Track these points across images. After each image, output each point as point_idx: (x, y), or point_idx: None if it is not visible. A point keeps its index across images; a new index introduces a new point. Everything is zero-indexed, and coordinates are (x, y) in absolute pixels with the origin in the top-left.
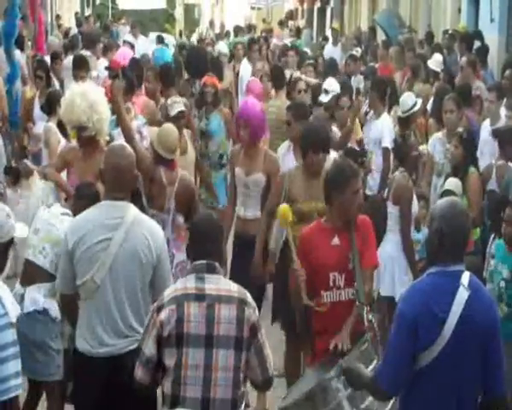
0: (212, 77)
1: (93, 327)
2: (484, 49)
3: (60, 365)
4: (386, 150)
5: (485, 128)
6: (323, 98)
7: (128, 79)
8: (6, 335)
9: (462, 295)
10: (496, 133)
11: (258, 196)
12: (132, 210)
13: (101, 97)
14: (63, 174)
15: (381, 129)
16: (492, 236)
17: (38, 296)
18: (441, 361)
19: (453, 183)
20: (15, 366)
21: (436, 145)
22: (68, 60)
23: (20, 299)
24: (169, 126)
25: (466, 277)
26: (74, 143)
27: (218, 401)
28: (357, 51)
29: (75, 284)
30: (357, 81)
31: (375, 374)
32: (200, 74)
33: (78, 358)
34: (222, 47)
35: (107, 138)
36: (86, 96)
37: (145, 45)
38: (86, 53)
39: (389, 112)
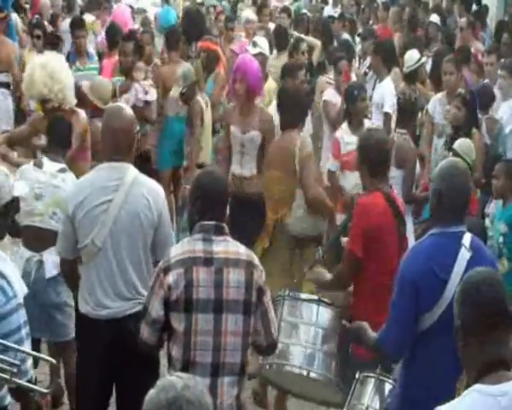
0: (206, 41)
1: (94, 290)
2: (483, 10)
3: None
4: (386, 115)
5: None
6: (251, 50)
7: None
8: (19, 316)
9: (464, 255)
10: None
11: (254, 155)
12: (132, 171)
13: (62, 65)
14: None
15: (383, 93)
16: (491, 197)
17: (57, 259)
18: (443, 323)
19: (465, 144)
20: (29, 345)
21: (436, 106)
22: (66, 22)
23: (38, 265)
24: (102, 78)
25: (467, 238)
26: None
27: (228, 365)
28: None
29: (76, 249)
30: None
31: (379, 337)
32: (196, 38)
33: (80, 319)
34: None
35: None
36: (46, 67)
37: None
38: (90, 17)
39: (388, 73)
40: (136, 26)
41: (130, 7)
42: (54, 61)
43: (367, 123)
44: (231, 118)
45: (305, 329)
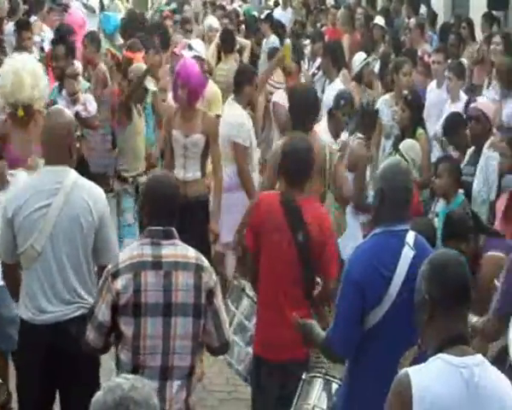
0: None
1: (34, 295)
2: (433, 12)
3: None
4: None
5: (432, 90)
6: (187, 53)
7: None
8: None
9: (407, 254)
10: None
11: (197, 158)
12: (72, 175)
13: (37, 64)
14: None
15: (330, 97)
16: (436, 197)
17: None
18: (388, 321)
19: (408, 144)
20: None
21: (383, 107)
22: (9, 26)
23: None
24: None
25: (411, 236)
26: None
27: (177, 369)
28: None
29: (16, 253)
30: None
31: (326, 336)
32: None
33: (21, 325)
34: None
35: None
36: (29, 70)
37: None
38: (33, 18)
39: (337, 74)
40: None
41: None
42: (30, 61)
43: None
44: (173, 122)
45: (235, 317)
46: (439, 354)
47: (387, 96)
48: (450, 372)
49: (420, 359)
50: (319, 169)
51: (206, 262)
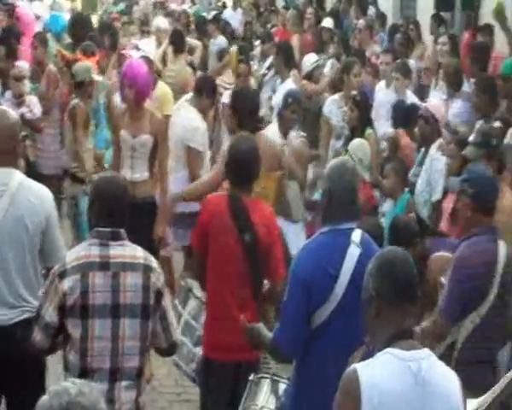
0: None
1: None
2: (382, 13)
3: None
4: None
5: (380, 90)
6: (134, 54)
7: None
8: None
9: (353, 252)
10: None
11: (145, 158)
12: (17, 176)
13: None
14: None
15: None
16: (384, 196)
17: None
18: (334, 319)
19: (356, 143)
20: None
21: (332, 108)
22: None
23: None
24: None
25: (357, 234)
26: None
27: (126, 370)
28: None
29: None
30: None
31: (273, 337)
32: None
33: None
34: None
35: None
36: None
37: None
38: None
39: (289, 74)
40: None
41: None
42: None
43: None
44: (121, 122)
45: (182, 318)
46: (387, 349)
47: (336, 96)
48: (398, 366)
49: (368, 357)
50: (271, 167)
51: (154, 263)
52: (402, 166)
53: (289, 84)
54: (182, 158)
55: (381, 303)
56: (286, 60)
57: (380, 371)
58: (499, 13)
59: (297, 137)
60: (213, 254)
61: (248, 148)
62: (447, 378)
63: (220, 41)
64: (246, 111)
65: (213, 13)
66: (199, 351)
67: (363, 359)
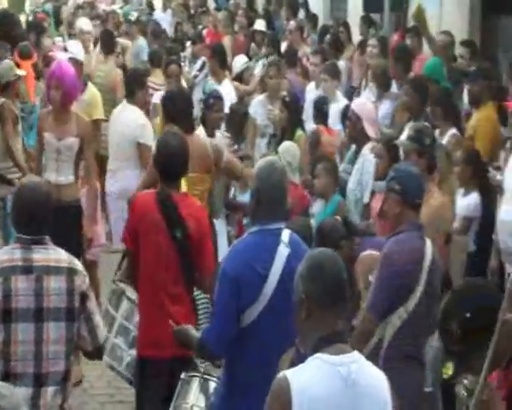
0: None
1: None
2: (313, 15)
3: None
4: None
5: (311, 91)
6: (62, 55)
7: None
8: None
9: (283, 251)
10: None
11: (71, 161)
12: None
13: None
14: None
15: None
16: (314, 196)
17: None
18: (263, 319)
19: (285, 146)
20: None
21: (257, 108)
22: None
23: None
24: None
25: (286, 234)
26: None
27: (51, 375)
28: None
29: None
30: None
31: (202, 335)
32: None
33: None
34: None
35: None
36: None
37: None
38: None
39: (224, 76)
40: None
41: None
42: None
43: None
44: (45, 124)
45: (108, 316)
46: (317, 354)
47: (262, 96)
48: (328, 371)
49: (298, 360)
50: (207, 169)
51: (79, 265)
52: (333, 166)
53: (227, 85)
54: (132, 157)
55: (311, 305)
56: (221, 61)
57: (309, 377)
58: (419, 16)
59: (222, 137)
60: (145, 252)
61: (177, 143)
62: (376, 379)
63: (141, 42)
64: (179, 112)
65: (136, 14)
66: (134, 352)
67: (293, 361)
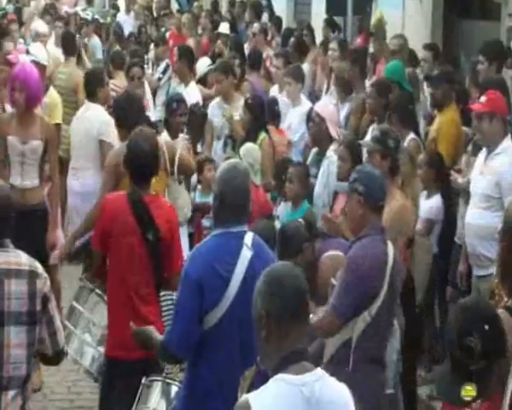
0: None
1: None
2: (277, 18)
3: None
4: None
5: (274, 94)
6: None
7: None
8: None
9: (246, 254)
10: None
11: (36, 165)
12: None
13: None
14: None
15: (189, 99)
16: (279, 198)
17: None
18: (226, 321)
19: (246, 148)
20: None
21: (214, 110)
22: None
23: None
24: None
25: (249, 237)
26: None
27: (13, 379)
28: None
29: None
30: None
31: (164, 338)
32: None
33: None
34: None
35: None
36: None
37: None
38: None
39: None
40: None
41: None
42: None
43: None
44: (9, 127)
45: (75, 314)
46: (278, 375)
47: (218, 98)
48: (291, 392)
49: (258, 378)
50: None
51: (39, 268)
52: (306, 172)
53: (193, 87)
54: (95, 155)
55: (271, 323)
56: (189, 63)
57: (271, 399)
58: (379, 25)
59: (182, 139)
60: (116, 254)
61: (148, 143)
62: (340, 395)
63: (94, 42)
64: (124, 115)
65: (91, 14)
66: (102, 350)
67: (254, 380)
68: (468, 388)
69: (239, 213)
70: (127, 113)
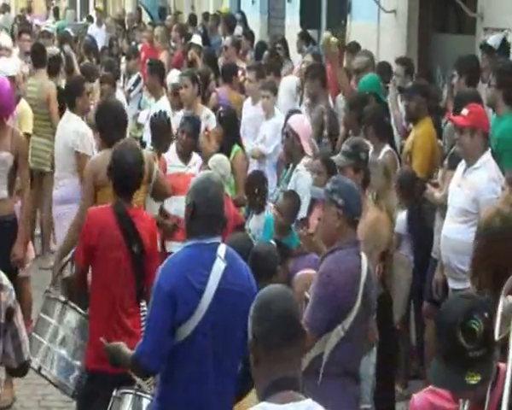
0: None
1: None
2: (250, 32)
3: None
4: None
5: (247, 107)
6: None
7: None
8: None
9: (219, 266)
10: None
11: (4, 176)
12: None
13: None
14: None
15: None
16: (251, 211)
17: None
18: (199, 334)
19: (216, 159)
20: None
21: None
22: None
23: None
24: None
25: (222, 249)
26: None
27: None
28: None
29: None
30: None
31: (136, 351)
32: None
33: None
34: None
35: None
36: None
37: None
38: None
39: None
40: None
41: None
42: None
43: None
44: None
45: (49, 327)
46: (261, 403)
47: (182, 110)
48: None
49: None
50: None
51: (4, 279)
52: (297, 204)
53: (164, 102)
54: (72, 166)
55: (260, 348)
56: (160, 77)
57: None
58: (328, 48)
59: (147, 151)
60: (101, 268)
61: (133, 155)
62: None
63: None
64: (111, 125)
65: (55, 27)
66: (79, 363)
67: None
68: (472, 373)
69: (212, 224)
70: (107, 120)
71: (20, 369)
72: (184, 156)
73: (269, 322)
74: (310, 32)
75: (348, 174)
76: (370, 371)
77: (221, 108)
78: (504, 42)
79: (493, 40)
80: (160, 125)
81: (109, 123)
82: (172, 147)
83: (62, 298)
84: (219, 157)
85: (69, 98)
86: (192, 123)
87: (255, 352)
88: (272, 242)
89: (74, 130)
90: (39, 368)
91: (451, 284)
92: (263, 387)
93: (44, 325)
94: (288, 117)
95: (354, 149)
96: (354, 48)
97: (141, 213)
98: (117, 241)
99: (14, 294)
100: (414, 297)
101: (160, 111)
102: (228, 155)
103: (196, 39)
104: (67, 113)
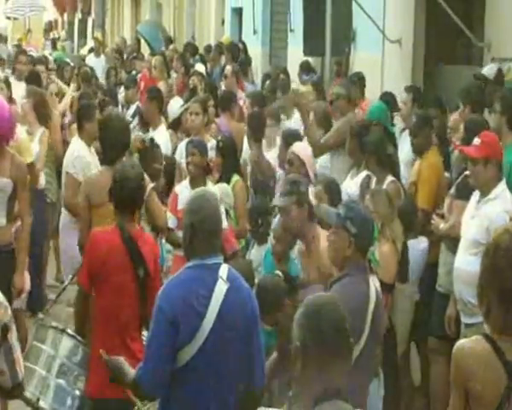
0: None
1: None
2: (246, 61)
3: None
4: None
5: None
6: None
7: None
8: None
9: (221, 287)
10: None
11: (3, 203)
12: None
13: None
14: None
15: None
16: (252, 242)
17: None
18: (201, 356)
19: (220, 187)
20: None
21: (182, 150)
22: None
23: None
24: None
25: (224, 269)
26: None
27: None
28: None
29: None
30: None
31: (136, 374)
32: None
33: None
34: None
35: None
36: None
37: None
38: None
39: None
40: None
41: None
42: None
43: None
44: None
45: (44, 356)
46: None
47: (186, 139)
48: None
49: None
50: None
51: (0, 296)
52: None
53: (162, 131)
54: None
55: (306, 357)
56: (159, 106)
57: None
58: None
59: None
60: (107, 293)
61: (135, 176)
62: None
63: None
64: (111, 143)
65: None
66: (78, 393)
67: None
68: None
69: (212, 242)
70: (107, 137)
71: (14, 389)
72: (199, 183)
73: (318, 331)
74: (312, 60)
75: (293, 212)
76: (379, 405)
77: (219, 138)
78: (499, 72)
79: (487, 70)
80: (146, 153)
81: (109, 141)
82: (185, 182)
83: (60, 326)
84: (224, 187)
85: (78, 124)
86: (200, 145)
87: (301, 360)
88: (279, 273)
89: (71, 152)
90: (37, 399)
91: (464, 319)
92: (309, 397)
93: (38, 354)
94: (287, 142)
95: (293, 186)
96: (357, 77)
97: (144, 236)
98: (125, 265)
99: (9, 311)
100: (418, 331)
101: (150, 138)
102: (227, 183)
103: (199, 67)
104: (75, 137)
